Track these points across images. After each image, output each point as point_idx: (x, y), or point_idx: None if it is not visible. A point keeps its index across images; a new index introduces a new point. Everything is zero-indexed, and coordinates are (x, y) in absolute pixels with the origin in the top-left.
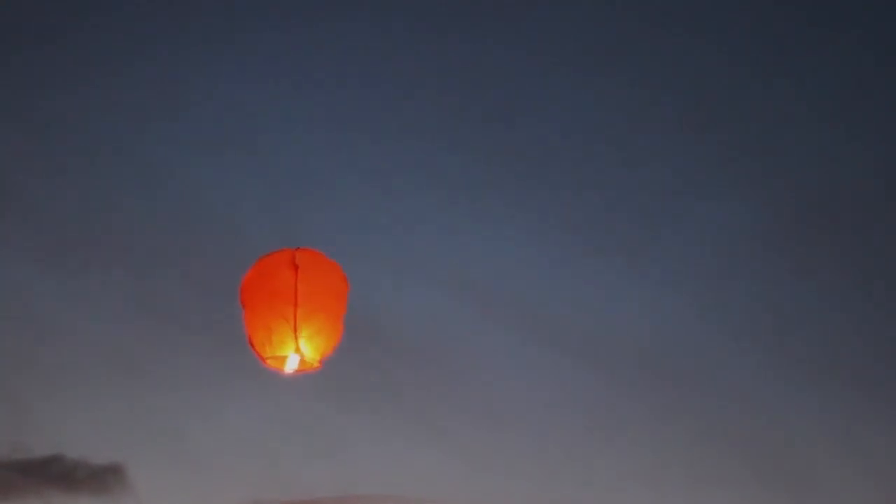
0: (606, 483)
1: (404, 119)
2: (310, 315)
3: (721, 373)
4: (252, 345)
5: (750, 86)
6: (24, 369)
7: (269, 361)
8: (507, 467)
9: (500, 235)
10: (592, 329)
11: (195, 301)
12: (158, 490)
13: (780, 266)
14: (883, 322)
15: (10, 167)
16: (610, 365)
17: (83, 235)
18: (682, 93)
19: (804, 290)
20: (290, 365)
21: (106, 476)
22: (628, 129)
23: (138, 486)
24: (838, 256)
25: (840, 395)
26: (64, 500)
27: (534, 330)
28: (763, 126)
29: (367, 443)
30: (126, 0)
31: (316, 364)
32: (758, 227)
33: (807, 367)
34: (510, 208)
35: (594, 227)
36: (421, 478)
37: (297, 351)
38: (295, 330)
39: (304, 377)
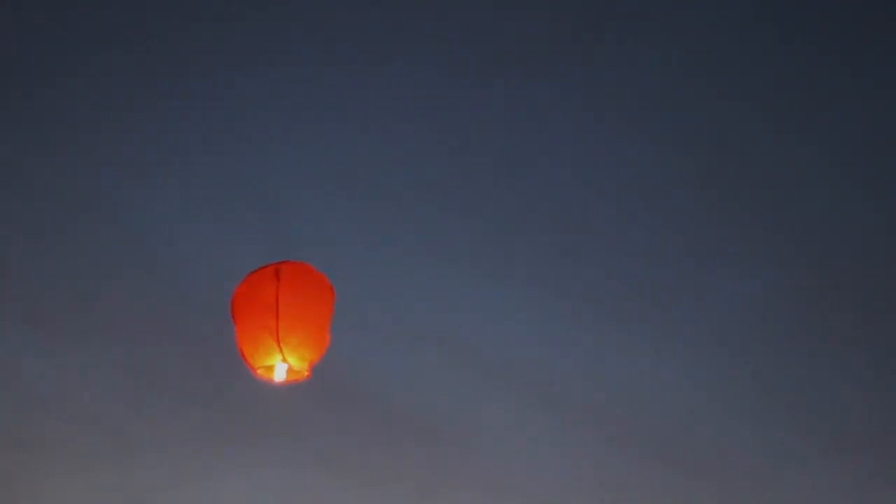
0: None
1: (400, 178)
2: (291, 326)
3: (735, 446)
4: (243, 356)
5: (773, 148)
6: (10, 441)
7: (259, 371)
8: None
9: (502, 301)
10: (600, 399)
11: (189, 371)
12: None
13: (799, 341)
14: None
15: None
16: (619, 436)
17: (72, 303)
18: (699, 153)
19: (824, 365)
20: (279, 374)
21: None
22: (641, 190)
23: None
24: (862, 332)
25: (860, 471)
26: None
27: (539, 399)
28: (786, 191)
29: None
30: (115, 55)
31: (305, 373)
32: (777, 298)
33: (824, 443)
34: (514, 271)
35: (603, 292)
36: None
37: (284, 360)
38: (278, 341)
39: (300, 447)
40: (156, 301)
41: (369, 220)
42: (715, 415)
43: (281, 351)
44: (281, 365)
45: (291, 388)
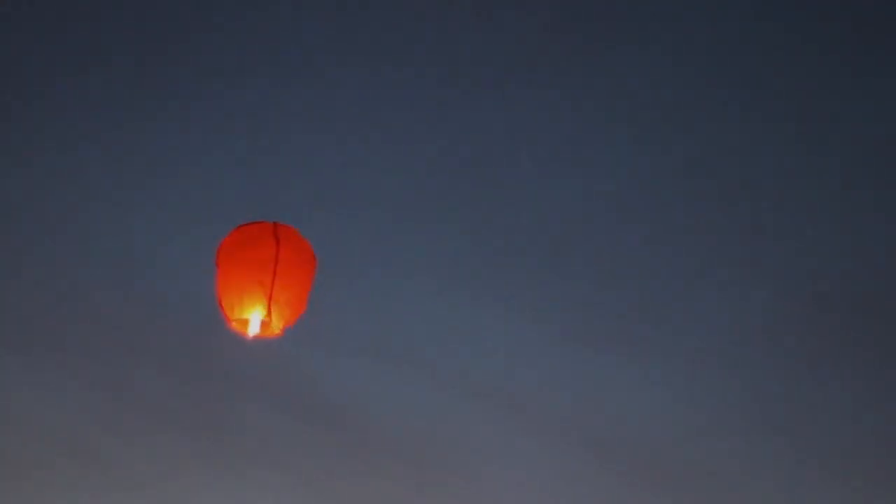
0: None
1: (386, 198)
2: (285, 286)
3: (728, 465)
4: (220, 304)
5: (765, 167)
6: None
7: (233, 323)
8: None
9: (490, 322)
10: (589, 420)
11: (168, 393)
12: None
13: (791, 359)
14: None
15: None
16: (609, 457)
17: (49, 322)
18: (690, 172)
19: (817, 386)
20: (253, 328)
21: None
22: (630, 209)
23: None
24: (854, 350)
25: (856, 489)
26: None
27: (528, 421)
28: (777, 211)
29: None
30: (93, 73)
31: (278, 331)
32: (769, 317)
33: (821, 464)
34: (501, 291)
35: (592, 312)
36: None
37: (268, 316)
38: (269, 298)
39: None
40: (134, 321)
41: (355, 239)
42: (706, 434)
43: (269, 307)
44: (256, 318)
45: (276, 411)
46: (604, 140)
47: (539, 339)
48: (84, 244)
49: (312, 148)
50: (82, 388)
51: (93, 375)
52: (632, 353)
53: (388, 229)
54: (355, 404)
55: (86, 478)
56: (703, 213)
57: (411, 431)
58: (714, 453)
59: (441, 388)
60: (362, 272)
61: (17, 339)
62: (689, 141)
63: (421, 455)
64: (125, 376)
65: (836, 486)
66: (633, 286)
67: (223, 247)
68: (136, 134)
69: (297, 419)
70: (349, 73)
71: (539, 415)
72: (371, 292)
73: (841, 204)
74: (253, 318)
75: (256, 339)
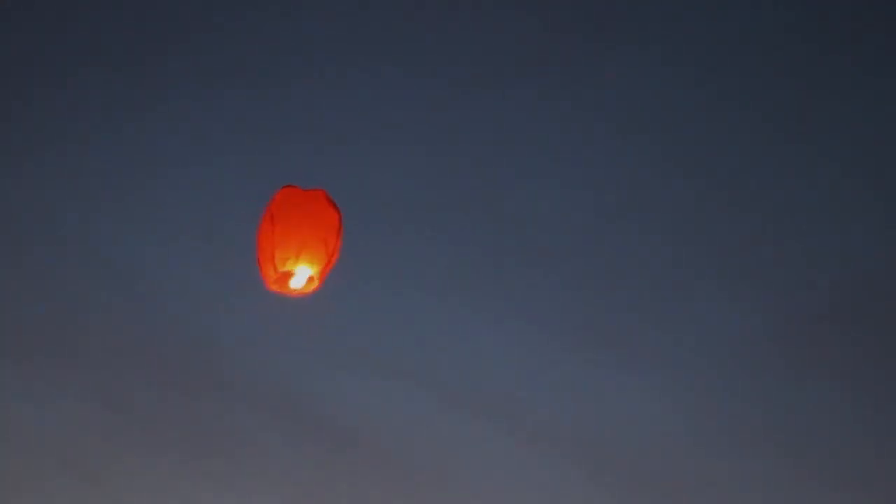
0: None
1: (374, 205)
2: (336, 247)
3: (718, 478)
4: (268, 256)
5: (758, 180)
6: None
7: (274, 278)
8: None
9: (480, 332)
10: (582, 431)
11: (164, 405)
12: None
13: (785, 376)
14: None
15: None
16: (600, 468)
17: (43, 331)
18: (684, 185)
19: (807, 397)
20: (298, 282)
21: None
22: (623, 221)
23: None
24: (844, 364)
25: (853, 502)
26: None
27: (518, 432)
28: (771, 224)
29: None
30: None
31: (316, 287)
32: (760, 331)
33: (819, 475)
34: (492, 301)
35: (584, 323)
36: None
37: (319, 275)
38: (331, 258)
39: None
40: (131, 332)
41: (345, 248)
42: (704, 444)
43: (327, 266)
44: (305, 273)
45: (271, 426)
46: (602, 147)
47: (537, 347)
48: (83, 254)
49: (306, 154)
50: (81, 402)
51: (89, 387)
52: (630, 362)
53: (377, 236)
54: (347, 416)
55: (81, 491)
56: (703, 222)
57: (408, 443)
58: (712, 463)
59: (436, 399)
60: (355, 283)
61: (11, 350)
62: (689, 149)
63: (415, 464)
64: (123, 388)
65: (833, 498)
66: (631, 295)
67: (277, 202)
68: (136, 144)
69: (293, 433)
70: (336, 80)
71: (537, 424)
72: (363, 302)
73: (839, 213)
74: (301, 273)
75: (297, 294)
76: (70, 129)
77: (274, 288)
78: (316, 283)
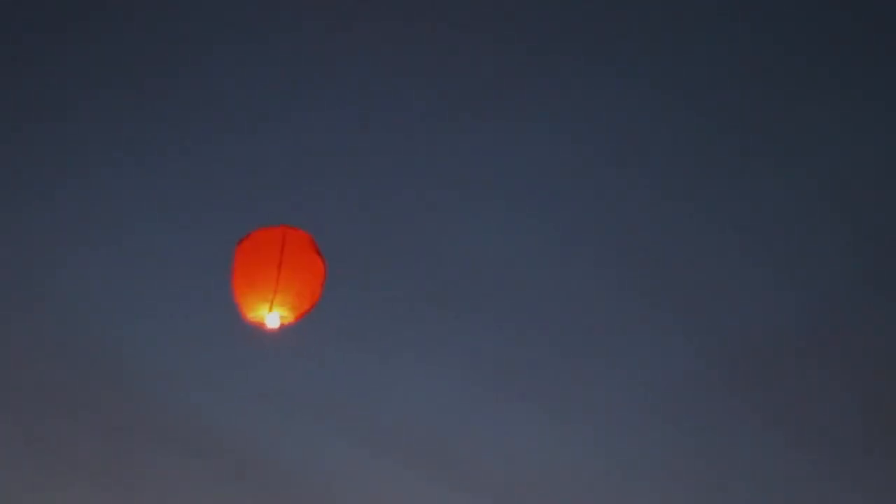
0: None
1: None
2: (290, 283)
3: None
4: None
5: (684, 218)
6: None
7: (250, 320)
8: None
9: (408, 373)
10: (509, 475)
11: (89, 442)
12: None
13: (713, 417)
14: (818, 477)
15: None
16: None
17: None
18: (609, 229)
19: (736, 443)
20: (271, 322)
21: None
22: (548, 262)
23: None
24: (772, 406)
25: None
26: None
27: (439, 471)
28: (696, 269)
29: None
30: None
31: (291, 321)
32: (690, 373)
33: None
34: (415, 341)
35: (508, 365)
36: None
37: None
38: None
39: None
40: (60, 375)
41: None
42: (619, 487)
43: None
44: (272, 315)
45: (202, 466)
46: (525, 191)
47: (452, 389)
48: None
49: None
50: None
51: (12, 425)
52: (544, 405)
53: None
54: (254, 449)
55: None
56: (621, 272)
57: (322, 479)
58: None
59: (348, 437)
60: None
61: None
62: (609, 199)
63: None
64: (51, 431)
65: None
66: (548, 339)
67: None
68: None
69: (222, 474)
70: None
71: (449, 465)
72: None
73: (752, 267)
74: (268, 315)
75: (274, 330)
76: (27, 172)
77: (253, 322)
78: (288, 320)
